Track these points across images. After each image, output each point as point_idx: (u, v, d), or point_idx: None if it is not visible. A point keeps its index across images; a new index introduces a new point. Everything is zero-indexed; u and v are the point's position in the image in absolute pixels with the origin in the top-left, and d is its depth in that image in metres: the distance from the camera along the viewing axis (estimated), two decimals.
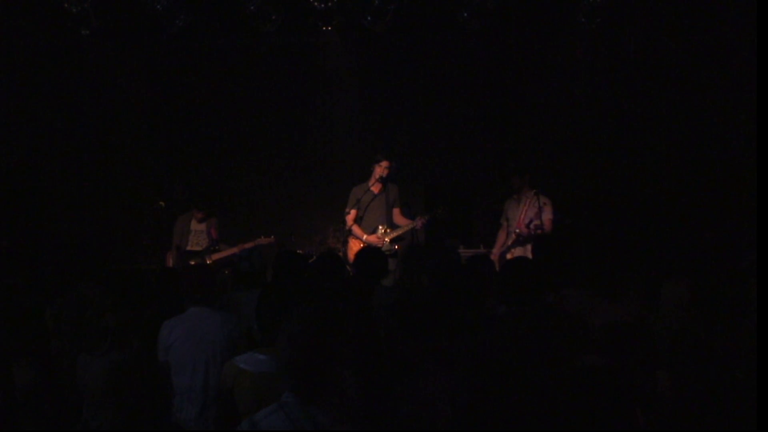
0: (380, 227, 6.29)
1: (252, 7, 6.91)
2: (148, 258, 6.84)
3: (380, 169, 6.26)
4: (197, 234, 6.63)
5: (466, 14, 6.88)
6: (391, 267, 6.00)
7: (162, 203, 6.74)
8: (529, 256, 5.50)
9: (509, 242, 6.23)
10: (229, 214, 7.35)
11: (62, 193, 7.43)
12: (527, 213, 6.15)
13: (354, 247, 6.16)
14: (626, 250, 6.63)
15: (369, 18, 7.01)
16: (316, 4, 6.89)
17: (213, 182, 8.06)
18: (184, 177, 8.00)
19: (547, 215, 6.07)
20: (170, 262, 6.50)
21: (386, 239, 6.24)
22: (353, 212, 6.32)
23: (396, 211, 6.41)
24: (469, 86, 8.05)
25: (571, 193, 6.69)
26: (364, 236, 6.24)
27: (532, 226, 5.99)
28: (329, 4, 6.88)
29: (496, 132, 8.09)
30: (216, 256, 6.48)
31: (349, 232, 6.33)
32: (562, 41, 7.55)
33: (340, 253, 6.19)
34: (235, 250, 6.47)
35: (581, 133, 7.61)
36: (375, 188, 6.33)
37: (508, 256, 5.98)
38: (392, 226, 6.35)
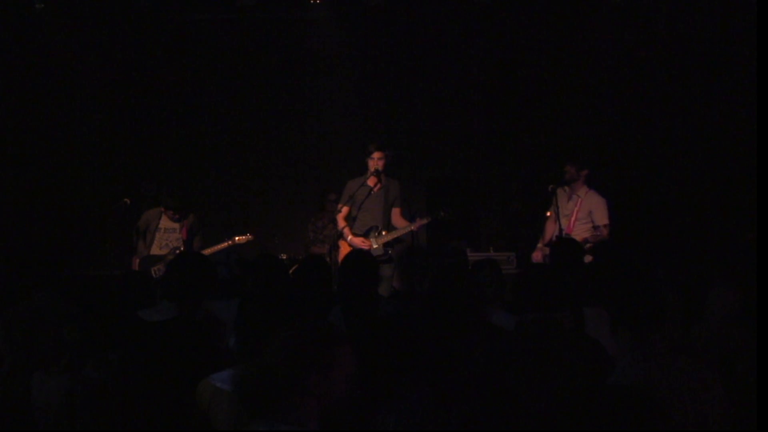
0: (374, 229, 6.29)
1: None
2: (111, 262, 6.83)
3: (372, 162, 6.25)
4: (167, 233, 6.59)
5: None
6: (386, 273, 6.02)
7: (127, 200, 6.72)
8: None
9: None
10: (204, 214, 7.36)
11: (13, 189, 7.43)
12: (578, 213, 6.13)
13: (345, 251, 6.15)
14: (660, 253, 6.61)
15: None
16: None
17: (186, 177, 8.07)
18: (153, 171, 8.00)
19: (603, 219, 6.05)
20: (136, 266, 6.50)
21: (380, 242, 6.23)
22: (345, 209, 6.30)
23: (396, 212, 6.37)
24: (477, 68, 8.06)
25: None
26: (349, 237, 6.22)
27: (591, 236, 5.93)
28: None
29: (508, 120, 8.10)
30: None
31: (341, 234, 6.32)
32: (582, 17, 7.55)
33: (328, 258, 6.18)
34: (208, 251, 6.46)
35: (605, 122, 7.60)
36: (371, 182, 6.33)
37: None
38: (389, 228, 6.34)
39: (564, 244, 5.42)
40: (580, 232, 6.08)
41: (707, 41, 6.81)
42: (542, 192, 6.53)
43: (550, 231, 6.42)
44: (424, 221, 6.23)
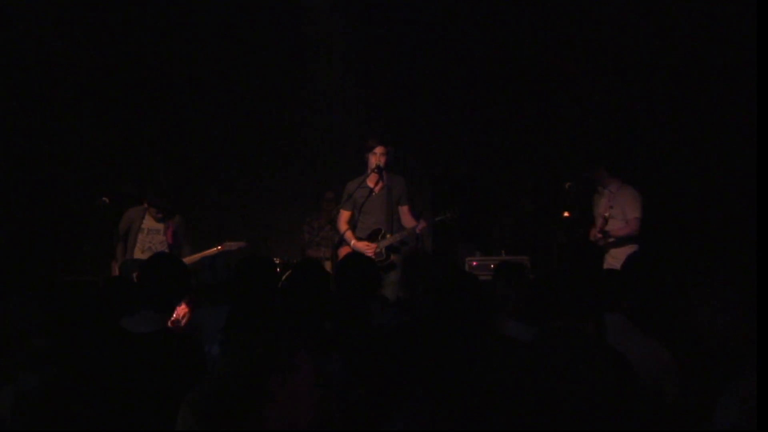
0: (378, 232, 6.23)
1: None
2: (89, 267, 6.80)
3: (374, 158, 6.18)
4: (151, 234, 6.54)
5: None
6: (393, 279, 5.99)
7: (106, 199, 6.69)
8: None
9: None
10: (190, 214, 7.32)
11: None
12: (611, 210, 6.20)
13: (344, 254, 6.10)
14: (689, 253, 6.55)
15: None
16: None
17: (171, 174, 8.03)
18: (135, 168, 7.96)
19: (633, 212, 6.13)
20: (116, 272, 6.46)
21: (382, 245, 6.17)
22: (345, 213, 6.26)
23: (404, 210, 6.30)
24: (486, 57, 8.02)
25: None
26: (352, 242, 6.17)
27: (606, 229, 6.05)
28: None
29: (520, 113, 8.04)
30: None
31: (342, 240, 6.27)
32: (600, 3, 7.47)
33: (325, 263, 6.15)
34: (197, 257, 6.42)
35: (628, 110, 7.49)
36: (371, 182, 6.28)
37: None
38: (397, 230, 6.27)
39: (582, 247, 5.41)
40: (612, 228, 6.17)
41: (737, 26, 6.74)
42: (558, 190, 6.49)
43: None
44: (428, 222, 6.18)
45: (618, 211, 6.17)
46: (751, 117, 6.69)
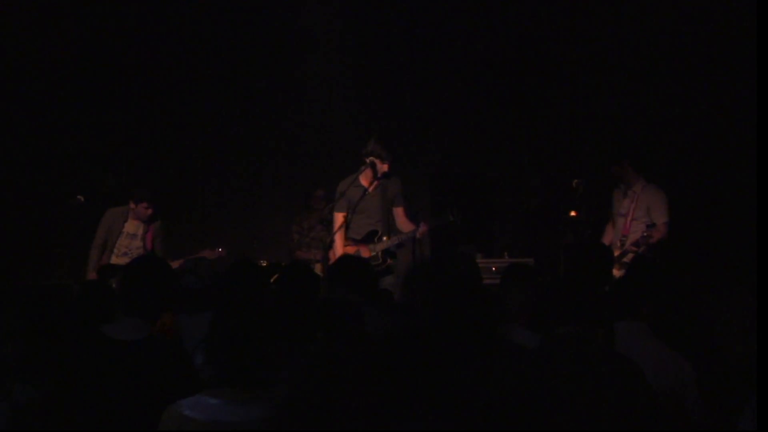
0: (374, 233, 6.22)
1: None
2: (63, 270, 6.79)
3: (382, 167, 6.17)
4: (128, 239, 6.54)
5: None
6: (390, 283, 5.99)
7: (81, 198, 6.68)
8: None
9: (616, 252, 6.16)
10: (174, 216, 7.29)
11: None
12: (635, 212, 6.16)
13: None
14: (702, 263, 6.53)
15: None
16: None
17: (153, 172, 7.99)
18: (112, 163, 7.93)
19: (661, 217, 6.06)
20: (93, 276, 6.44)
21: (378, 248, 6.17)
22: (339, 215, 6.24)
23: (399, 212, 6.29)
24: (489, 47, 8.03)
25: None
26: (341, 251, 6.17)
27: (641, 238, 5.94)
28: None
29: (524, 106, 8.04)
30: None
31: (333, 241, 6.26)
32: None
33: (315, 266, 6.14)
34: (177, 263, 6.40)
35: (642, 107, 7.48)
36: (364, 180, 6.27)
37: (615, 272, 5.88)
38: (391, 231, 6.28)
39: (589, 249, 5.38)
40: (637, 232, 6.08)
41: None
42: (565, 188, 6.47)
43: (609, 236, 6.48)
44: (429, 225, 6.14)
45: (642, 213, 6.13)
46: None
